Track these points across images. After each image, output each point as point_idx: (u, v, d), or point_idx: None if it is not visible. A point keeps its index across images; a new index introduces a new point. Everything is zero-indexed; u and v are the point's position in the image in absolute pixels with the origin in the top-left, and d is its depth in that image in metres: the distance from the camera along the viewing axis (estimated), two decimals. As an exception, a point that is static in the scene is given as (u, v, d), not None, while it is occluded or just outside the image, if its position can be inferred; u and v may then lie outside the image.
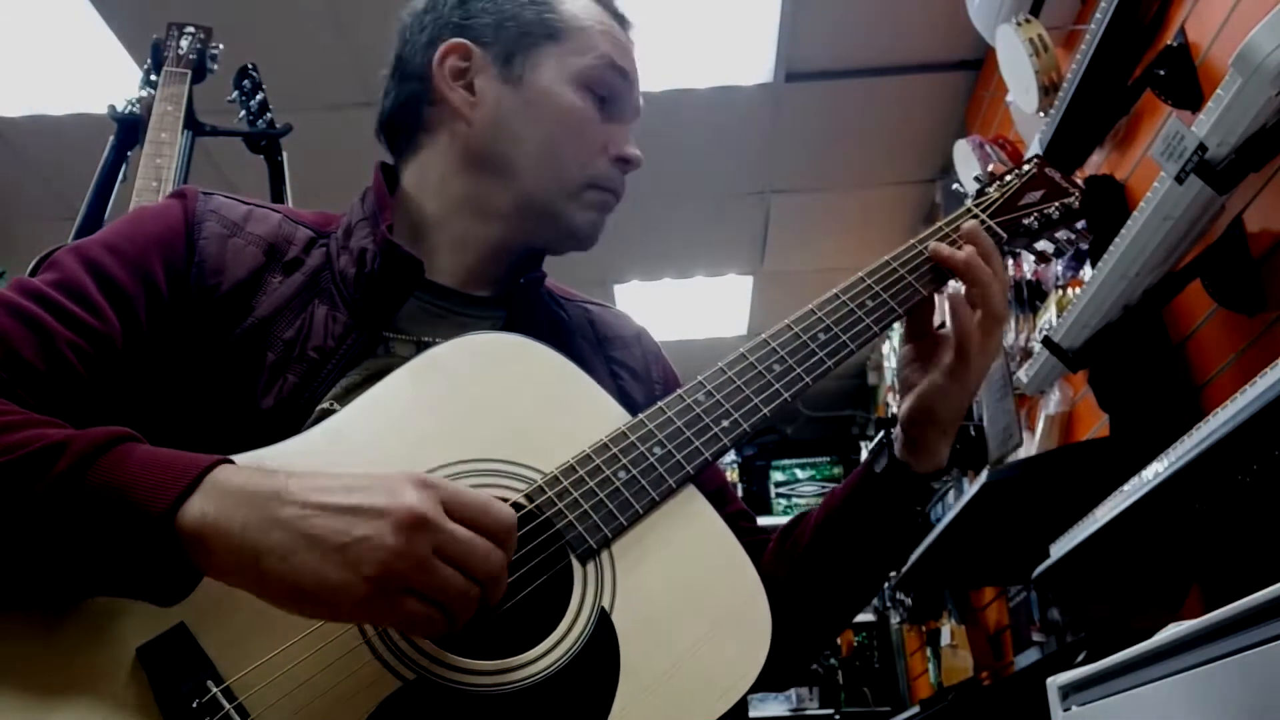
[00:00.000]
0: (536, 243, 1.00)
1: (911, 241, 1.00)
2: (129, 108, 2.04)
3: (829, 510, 0.97)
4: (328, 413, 0.83)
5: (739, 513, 1.04)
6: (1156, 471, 1.42)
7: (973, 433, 2.79)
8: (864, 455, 5.26)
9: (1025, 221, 1.05)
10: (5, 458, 0.67)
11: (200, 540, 0.66)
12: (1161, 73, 1.88)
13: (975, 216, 1.03)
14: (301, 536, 0.65)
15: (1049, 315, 2.35)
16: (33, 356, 0.76)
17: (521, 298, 0.99)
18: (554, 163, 0.96)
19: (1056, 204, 1.07)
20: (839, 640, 5.22)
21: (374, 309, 0.90)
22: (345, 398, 0.84)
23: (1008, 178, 1.09)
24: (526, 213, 0.97)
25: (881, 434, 1.02)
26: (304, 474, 0.69)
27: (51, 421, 0.72)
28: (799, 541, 0.97)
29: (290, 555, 0.65)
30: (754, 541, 1.00)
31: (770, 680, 0.98)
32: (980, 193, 1.08)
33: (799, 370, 0.90)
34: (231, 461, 0.71)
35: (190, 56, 2.06)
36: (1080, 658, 1.53)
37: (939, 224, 1.02)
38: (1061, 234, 1.08)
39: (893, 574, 3.89)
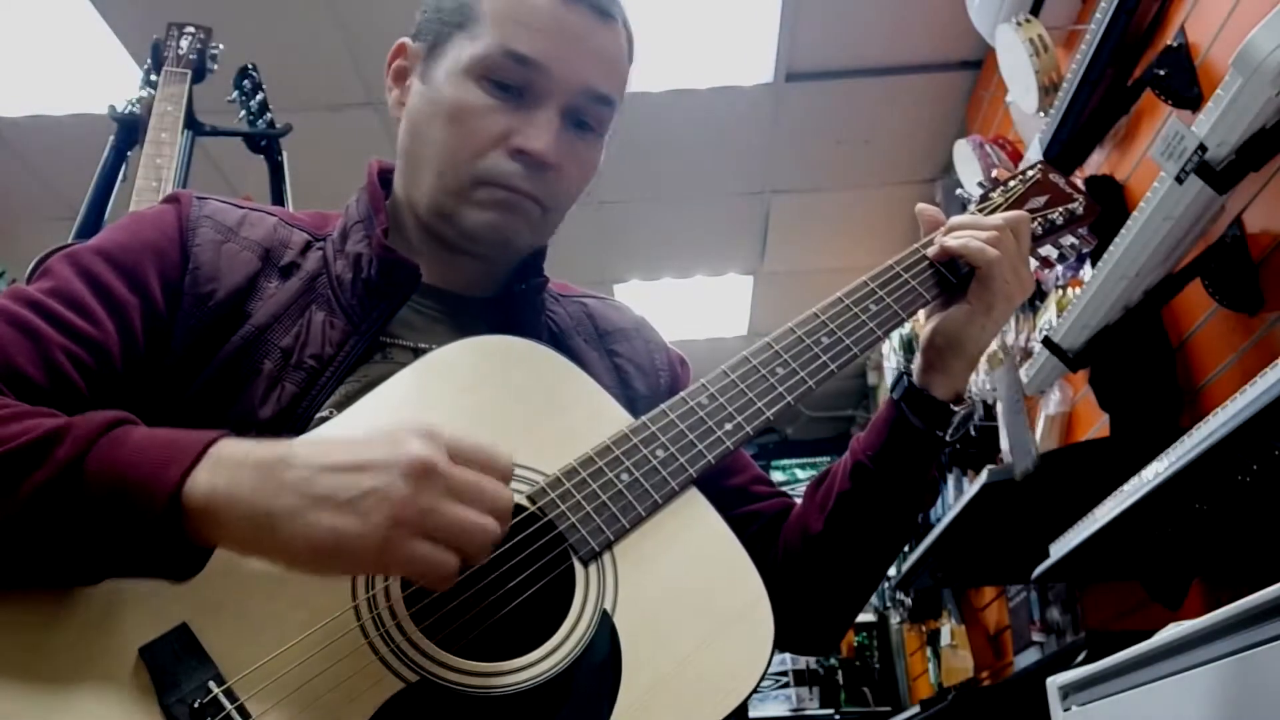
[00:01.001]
0: (459, 248, 0.95)
1: (915, 245, 1.00)
2: (129, 108, 2.04)
3: (855, 452, 0.97)
4: (326, 421, 0.82)
5: (754, 479, 1.04)
6: (1156, 471, 1.42)
7: (973, 433, 2.79)
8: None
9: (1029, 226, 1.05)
10: (5, 447, 0.66)
11: (210, 512, 0.66)
12: (1161, 73, 1.88)
13: None
14: (311, 497, 0.65)
15: (1049, 315, 2.35)
16: (28, 364, 0.76)
17: (519, 299, 0.98)
18: (443, 161, 0.91)
19: (1060, 209, 1.07)
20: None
21: (372, 315, 0.90)
22: (344, 406, 0.83)
23: (1011, 183, 1.09)
24: (433, 215, 0.93)
25: (901, 368, 1.03)
26: (307, 440, 0.70)
27: (49, 412, 0.72)
28: (830, 489, 0.97)
29: (302, 515, 0.65)
30: (778, 507, 1.02)
31: (821, 642, 1.01)
32: (984, 198, 1.08)
33: (802, 374, 0.90)
34: (233, 435, 0.71)
35: (190, 56, 2.06)
36: (1080, 658, 1.53)
37: (944, 227, 1.02)
38: (1065, 240, 1.08)
39: (892, 573, 3.89)
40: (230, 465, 0.67)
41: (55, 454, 0.66)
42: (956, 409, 0.96)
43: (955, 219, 1.00)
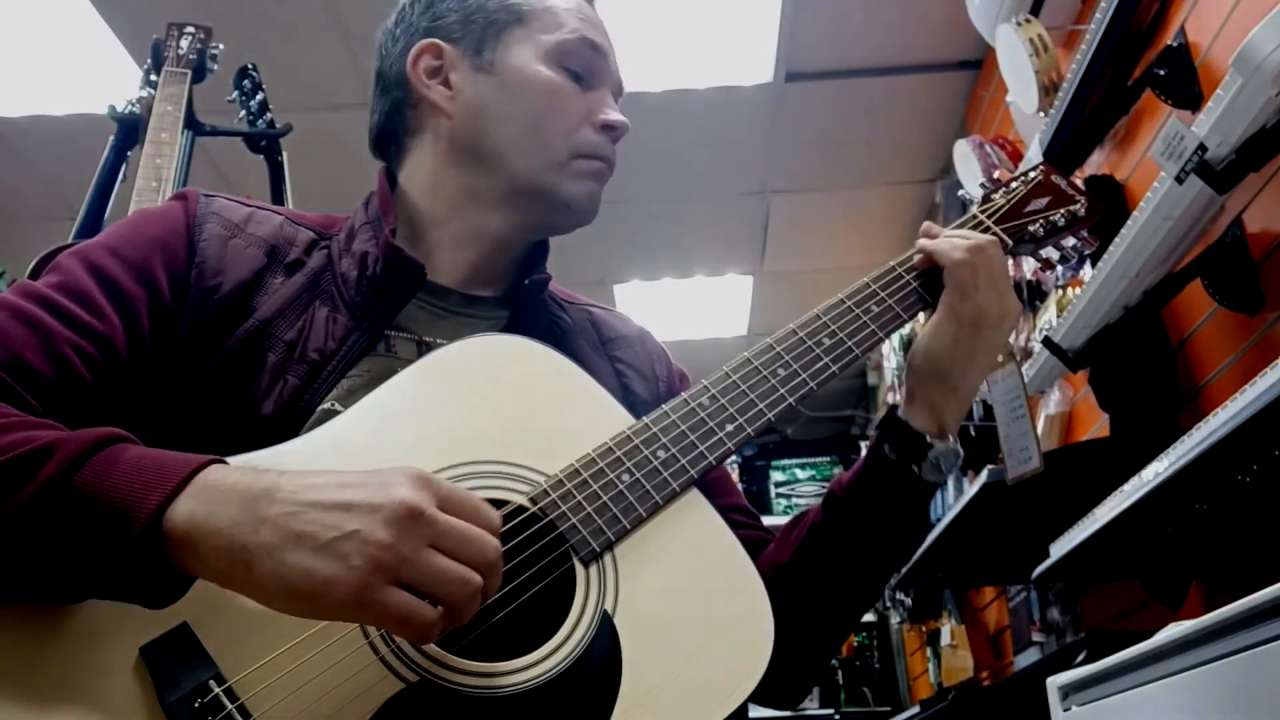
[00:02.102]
0: (537, 224, 0.99)
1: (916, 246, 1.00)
2: (129, 108, 2.04)
3: (832, 486, 0.96)
4: (330, 414, 0.82)
5: (734, 506, 1.01)
6: (1156, 471, 1.42)
7: (973, 433, 2.79)
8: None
9: (1030, 228, 1.05)
10: None
11: (189, 542, 0.65)
12: (1161, 73, 1.88)
13: (980, 222, 1.04)
14: (291, 534, 0.63)
15: (1049, 315, 2.35)
16: (35, 359, 0.76)
17: (524, 299, 0.99)
18: (538, 139, 0.95)
19: (1062, 211, 1.07)
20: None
21: (375, 312, 0.90)
22: (348, 399, 0.84)
23: (1013, 184, 1.09)
24: (521, 194, 0.96)
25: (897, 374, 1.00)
26: (296, 472, 0.68)
27: (46, 424, 0.71)
28: (805, 522, 0.96)
29: (279, 552, 0.63)
30: (753, 538, 0.98)
31: (782, 691, 0.95)
32: (986, 199, 1.08)
33: (803, 375, 0.90)
34: (224, 461, 0.70)
35: (190, 56, 2.06)
36: (1080, 658, 1.53)
37: (945, 230, 1.02)
38: (1067, 241, 1.08)
39: (895, 576, 3.89)
40: (213, 494, 0.66)
41: (42, 471, 0.66)
42: (934, 443, 0.92)
43: (938, 229, 1.01)
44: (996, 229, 1.03)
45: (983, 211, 1.06)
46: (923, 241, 0.99)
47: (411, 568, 0.63)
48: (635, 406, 0.90)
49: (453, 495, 0.67)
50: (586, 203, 0.98)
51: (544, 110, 0.96)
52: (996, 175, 1.11)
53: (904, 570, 3.19)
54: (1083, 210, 1.08)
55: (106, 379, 0.80)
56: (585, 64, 0.98)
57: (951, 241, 0.96)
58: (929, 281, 0.98)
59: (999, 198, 1.07)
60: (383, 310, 0.91)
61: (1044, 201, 1.07)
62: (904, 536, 0.96)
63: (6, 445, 0.67)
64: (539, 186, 0.96)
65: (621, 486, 0.81)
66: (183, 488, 0.66)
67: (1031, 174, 1.10)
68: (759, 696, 0.94)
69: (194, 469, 0.67)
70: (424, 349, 0.91)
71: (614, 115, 0.98)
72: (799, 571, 0.93)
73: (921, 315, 0.99)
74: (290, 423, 0.82)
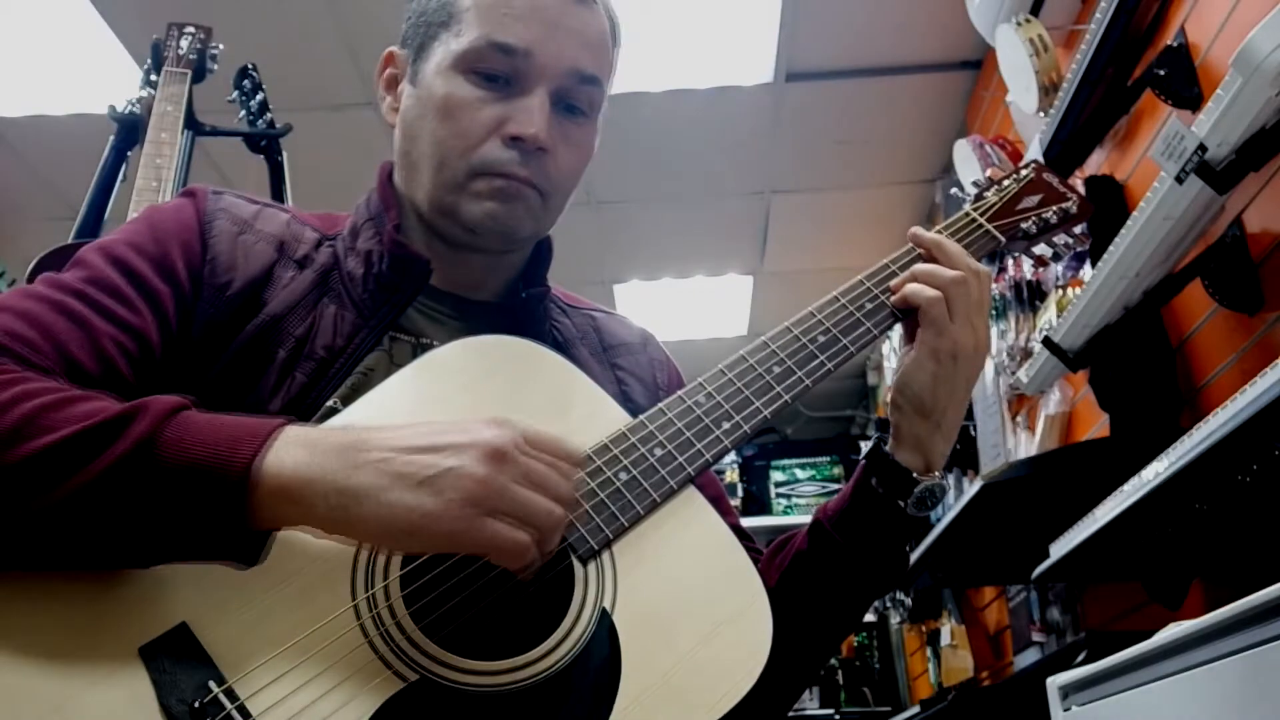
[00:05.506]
0: (457, 241, 0.95)
1: (909, 244, 1.00)
2: (129, 108, 2.05)
3: (818, 515, 0.96)
4: (333, 411, 0.83)
5: (732, 527, 1.00)
6: (1156, 471, 1.42)
7: (972, 433, 2.79)
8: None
9: (1023, 225, 1.06)
10: (83, 424, 0.67)
11: (284, 491, 0.68)
12: (1161, 73, 1.88)
13: (973, 219, 1.04)
14: (389, 474, 0.68)
15: (1049, 315, 2.35)
16: (80, 353, 0.78)
17: (524, 306, 0.99)
18: (439, 157, 0.91)
19: (1054, 208, 1.08)
20: (839, 640, 5.20)
21: (381, 310, 0.91)
22: (351, 397, 0.84)
23: (1006, 182, 1.09)
24: (435, 212, 0.93)
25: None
26: (377, 427, 0.72)
27: (114, 395, 0.72)
28: (790, 548, 0.96)
29: (382, 493, 0.67)
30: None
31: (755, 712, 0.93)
32: (978, 196, 1.09)
33: (799, 373, 0.90)
34: (296, 421, 0.73)
35: (190, 56, 2.07)
36: (1080, 658, 1.53)
37: (938, 226, 1.03)
38: (1059, 238, 1.09)
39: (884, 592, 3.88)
40: (306, 445, 0.69)
41: (132, 429, 0.68)
42: (921, 479, 0.91)
43: (918, 266, 0.95)
44: (989, 226, 1.03)
45: (975, 209, 1.06)
46: (895, 283, 0.95)
47: (503, 499, 0.69)
48: (633, 412, 0.90)
49: (535, 435, 0.73)
50: (491, 224, 0.91)
51: (442, 126, 0.91)
52: (989, 173, 1.11)
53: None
54: (1074, 207, 1.08)
55: (143, 373, 0.81)
56: (500, 68, 0.90)
57: (927, 278, 0.92)
58: None
59: (991, 195, 1.08)
60: (390, 307, 0.91)
61: (1036, 199, 1.08)
62: (887, 569, 0.95)
63: (94, 410, 0.69)
64: (443, 208, 0.92)
65: (619, 484, 0.81)
66: (269, 440, 0.69)
67: (1023, 171, 1.10)
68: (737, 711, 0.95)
69: (276, 425, 0.71)
70: (420, 350, 0.91)
71: (520, 127, 0.89)
72: (781, 598, 0.91)
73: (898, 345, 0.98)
74: (297, 420, 0.82)
